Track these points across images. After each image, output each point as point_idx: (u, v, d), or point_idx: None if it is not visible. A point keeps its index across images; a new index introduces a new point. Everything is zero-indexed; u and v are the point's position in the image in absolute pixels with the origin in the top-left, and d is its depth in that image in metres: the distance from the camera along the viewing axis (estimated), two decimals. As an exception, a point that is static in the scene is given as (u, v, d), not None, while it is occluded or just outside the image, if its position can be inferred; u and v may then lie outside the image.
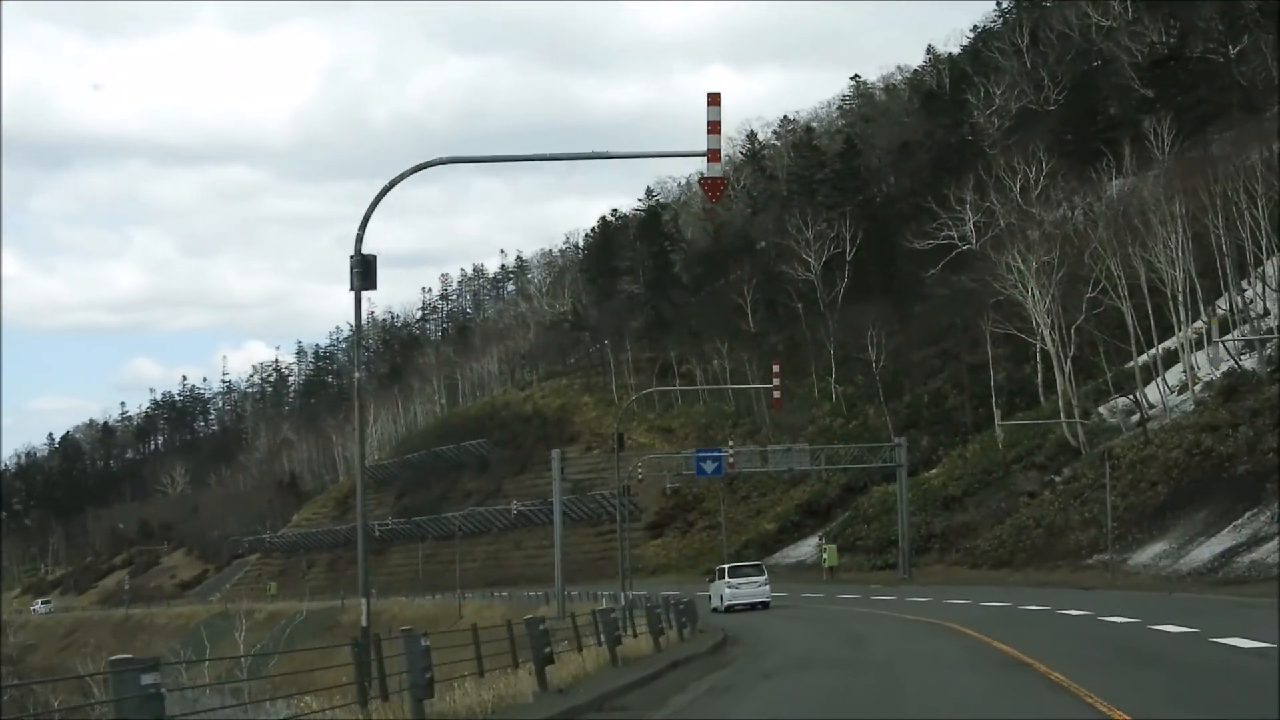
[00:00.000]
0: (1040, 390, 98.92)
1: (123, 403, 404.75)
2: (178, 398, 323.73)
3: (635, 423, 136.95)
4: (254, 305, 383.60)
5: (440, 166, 26.46)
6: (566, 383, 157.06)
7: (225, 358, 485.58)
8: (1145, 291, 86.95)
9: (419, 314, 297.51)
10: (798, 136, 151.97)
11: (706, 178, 25.06)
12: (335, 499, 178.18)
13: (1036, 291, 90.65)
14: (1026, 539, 76.56)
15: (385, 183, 24.53)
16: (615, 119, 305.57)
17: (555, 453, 74.75)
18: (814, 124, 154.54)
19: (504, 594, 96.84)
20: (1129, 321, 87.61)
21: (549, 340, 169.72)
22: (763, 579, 62.95)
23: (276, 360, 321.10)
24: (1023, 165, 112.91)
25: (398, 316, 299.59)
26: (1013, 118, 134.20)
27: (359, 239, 24.08)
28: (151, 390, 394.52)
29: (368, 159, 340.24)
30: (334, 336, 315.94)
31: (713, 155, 24.63)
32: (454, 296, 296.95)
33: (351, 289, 24.17)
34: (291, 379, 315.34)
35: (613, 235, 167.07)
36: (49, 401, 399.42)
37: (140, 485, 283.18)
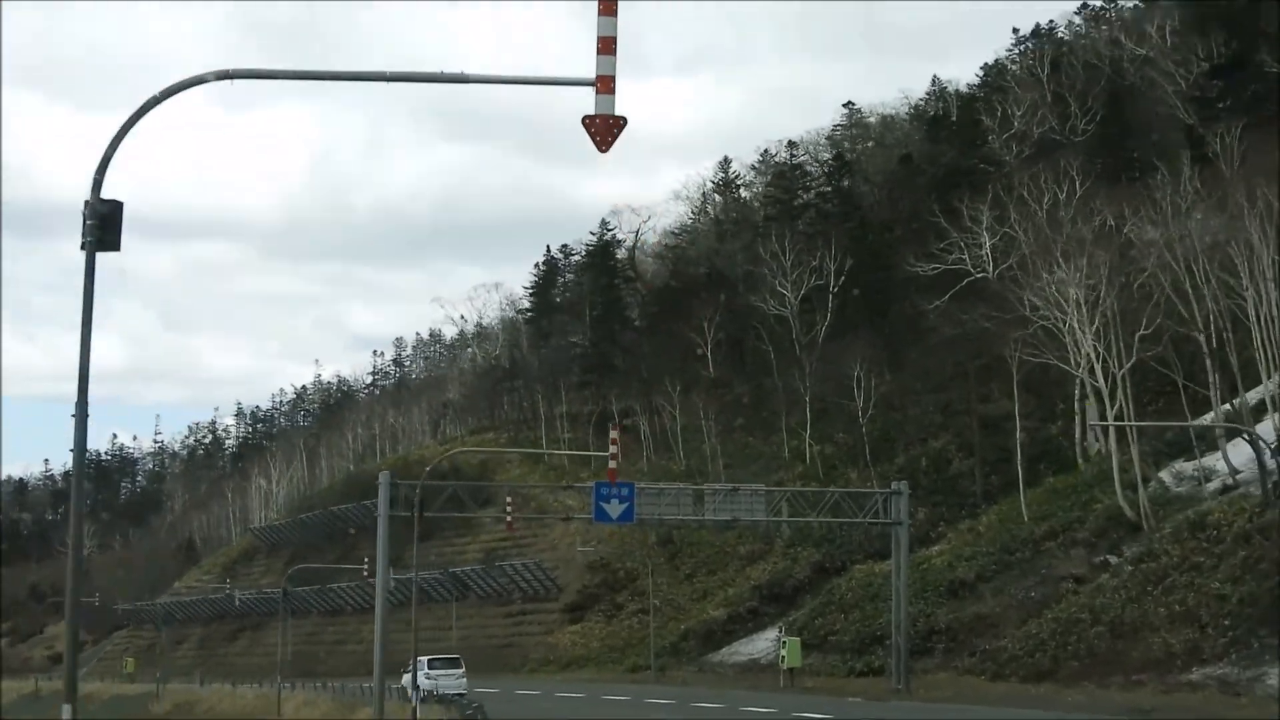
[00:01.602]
0: (1077, 450, 76.12)
1: (46, 460, 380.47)
2: (105, 457, 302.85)
3: (565, 480, 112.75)
4: (231, 382, 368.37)
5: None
6: (493, 437, 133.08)
7: (159, 416, 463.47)
8: (1228, 322, 64.94)
9: (369, 378, 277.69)
10: (779, 158, 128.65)
11: (595, 116, 18.28)
12: (222, 564, 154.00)
13: (1081, 321, 68.09)
14: (1079, 641, 52.52)
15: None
16: (597, 212, 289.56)
17: (383, 476, 51.00)
18: (799, 149, 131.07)
19: (368, 685, 72.37)
20: (1208, 358, 65.40)
21: (479, 390, 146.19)
22: (460, 671, 64.51)
23: (213, 421, 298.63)
24: (1051, 185, 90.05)
25: (345, 382, 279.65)
26: (1033, 145, 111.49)
27: (97, 181, 20.08)
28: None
29: (350, 242, 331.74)
30: (276, 399, 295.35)
31: (603, 84, 18.44)
32: (407, 363, 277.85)
33: (82, 248, 20.11)
34: (228, 442, 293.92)
35: (557, 272, 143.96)
36: (15, 469, 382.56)
37: (47, 547, 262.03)
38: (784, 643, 64.44)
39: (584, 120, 18.54)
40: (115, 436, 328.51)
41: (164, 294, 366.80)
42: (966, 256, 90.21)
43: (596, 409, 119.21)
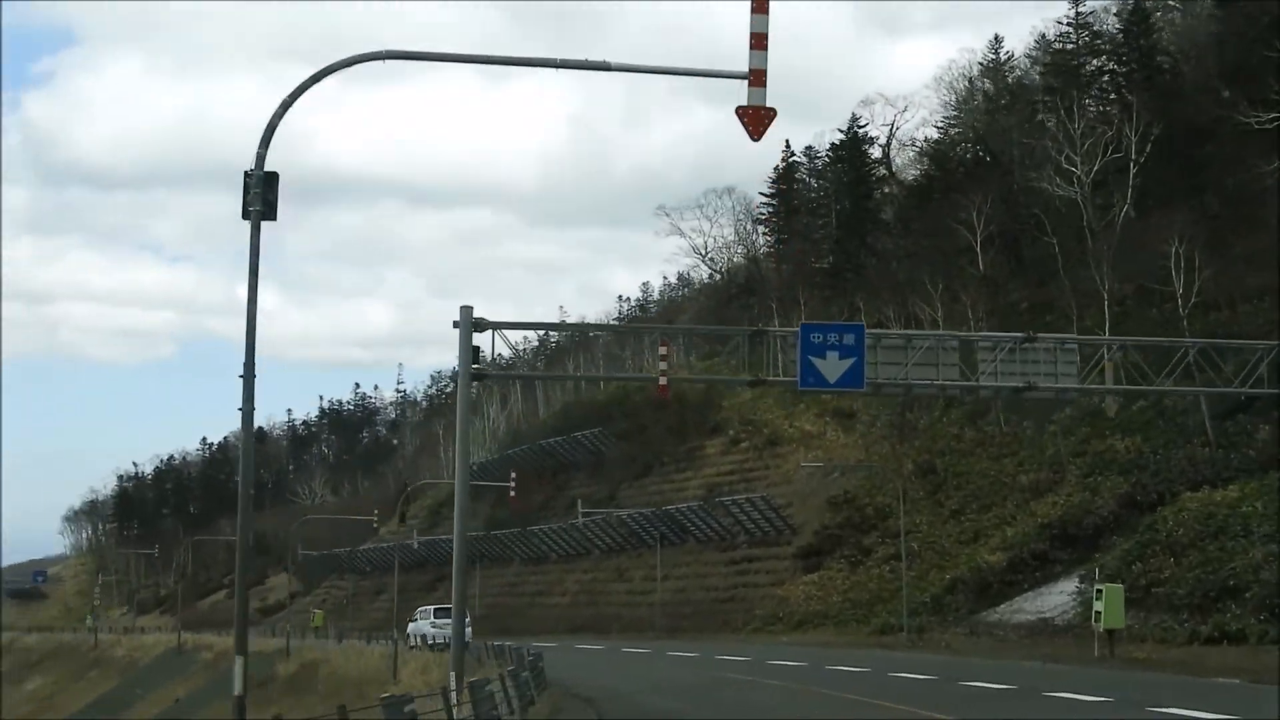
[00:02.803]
0: None
1: (289, 410, 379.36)
2: (347, 406, 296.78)
3: (802, 406, 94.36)
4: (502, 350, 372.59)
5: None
6: (722, 361, 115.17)
7: (401, 365, 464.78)
8: None
9: (614, 323, 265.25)
10: (1062, 20, 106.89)
11: (748, 107, 21.55)
12: (429, 508, 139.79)
13: None
14: None
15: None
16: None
17: (463, 311, 33.22)
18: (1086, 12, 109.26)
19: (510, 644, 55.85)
20: None
21: (709, 309, 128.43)
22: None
23: (455, 370, 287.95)
24: None
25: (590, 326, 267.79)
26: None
27: (262, 152, 21.25)
28: (321, 397, 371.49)
29: (608, 207, 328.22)
30: (521, 347, 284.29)
31: (756, 78, 21.63)
32: (651, 308, 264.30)
33: (245, 216, 21.04)
34: (472, 388, 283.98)
35: (797, 177, 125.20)
36: (258, 419, 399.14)
37: (280, 495, 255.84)
38: (1099, 592, 44.72)
39: (737, 111, 21.17)
40: (357, 386, 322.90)
41: (432, 261, 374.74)
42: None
43: (842, 318, 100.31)
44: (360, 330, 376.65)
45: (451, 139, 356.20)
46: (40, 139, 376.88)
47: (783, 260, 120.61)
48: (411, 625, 72.04)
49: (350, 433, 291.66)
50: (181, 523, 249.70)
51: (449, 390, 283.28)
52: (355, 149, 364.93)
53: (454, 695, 25.36)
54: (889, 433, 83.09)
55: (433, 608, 72.65)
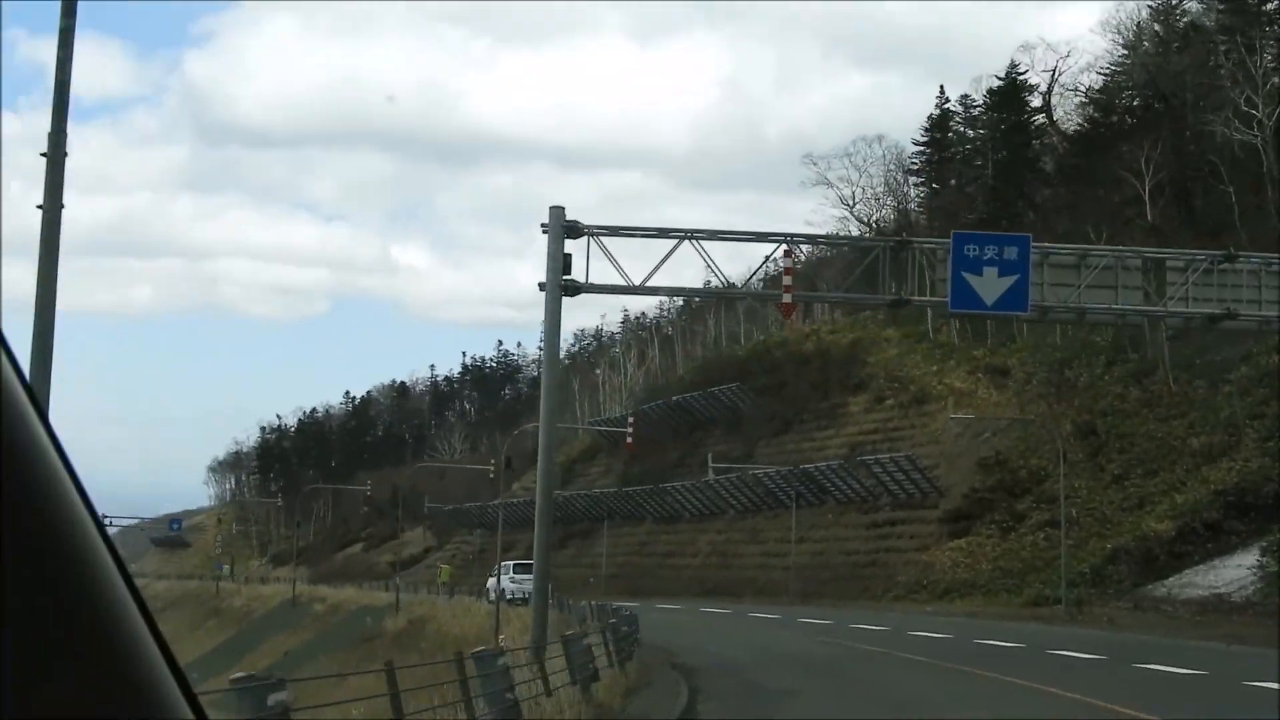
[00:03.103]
0: None
1: (432, 366, 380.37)
2: (490, 362, 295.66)
3: (952, 363, 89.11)
4: (644, 308, 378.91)
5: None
6: (869, 314, 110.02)
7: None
8: None
9: (759, 284, 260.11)
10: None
11: None
12: (561, 464, 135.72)
13: None
14: None
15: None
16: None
17: (552, 211, 28.69)
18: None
19: (633, 605, 51.63)
20: None
21: (855, 261, 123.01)
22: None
23: (598, 328, 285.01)
24: None
25: (733, 285, 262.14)
26: None
27: None
28: (464, 353, 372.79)
29: (758, 171, 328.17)
30: (663, 307, 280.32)
31: None
32: (798, 268, 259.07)
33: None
34: (614, 350, 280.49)
35: (953, 125, 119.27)
36: (400, 374, 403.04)
37: (422, 451, 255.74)
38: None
39: None
40: (500, 343, 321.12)
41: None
42: None
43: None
44: (509, 291, 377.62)
45: (602, 101, 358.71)
46: (200, 97, 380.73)
47: (934, 214, 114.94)
48: (491, 580, 71.58)
49: (492, 390, 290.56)
50: (322, 475, 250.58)
51: (591, 347, 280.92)
52: (507, 111, 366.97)
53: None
54: (1046, 391, 77.56)
55: (511, 563, 72.98)
